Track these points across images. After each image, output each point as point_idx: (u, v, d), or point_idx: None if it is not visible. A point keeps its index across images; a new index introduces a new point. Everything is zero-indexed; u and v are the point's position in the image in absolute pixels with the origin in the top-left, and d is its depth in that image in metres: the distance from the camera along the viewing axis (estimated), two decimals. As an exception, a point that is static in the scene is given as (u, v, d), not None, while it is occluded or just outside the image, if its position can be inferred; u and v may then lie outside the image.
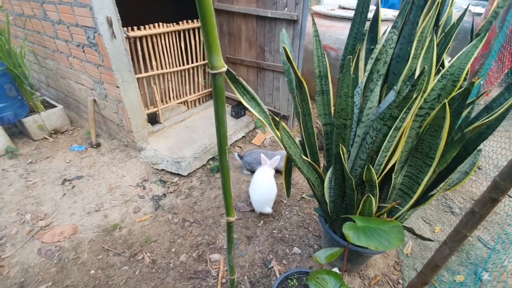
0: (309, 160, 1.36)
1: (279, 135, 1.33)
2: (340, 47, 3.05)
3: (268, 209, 2.02)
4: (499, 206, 2.10)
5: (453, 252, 1.11)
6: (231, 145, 2.92)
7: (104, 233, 1.97)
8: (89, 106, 2.72)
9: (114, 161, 2.70)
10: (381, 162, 1.13)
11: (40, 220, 2.06)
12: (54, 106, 3.03)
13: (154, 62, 2.66)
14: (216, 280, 1.67)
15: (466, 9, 1.12)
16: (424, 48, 0.96)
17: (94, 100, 2.73)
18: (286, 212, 2.15)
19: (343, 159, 1.17)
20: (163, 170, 2.54)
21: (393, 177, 1.15)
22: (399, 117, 0.97)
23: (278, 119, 1.28)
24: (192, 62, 3.04)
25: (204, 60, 3.16)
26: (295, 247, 1.88)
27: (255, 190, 2.00)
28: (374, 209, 1.22)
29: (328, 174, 1.38)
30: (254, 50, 2.73)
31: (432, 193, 1.23)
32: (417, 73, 1.09)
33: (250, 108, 1.41)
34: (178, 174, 2.49)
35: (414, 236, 1.82)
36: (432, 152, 1.03)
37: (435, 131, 0.98)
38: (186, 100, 3.18)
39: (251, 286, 1.64)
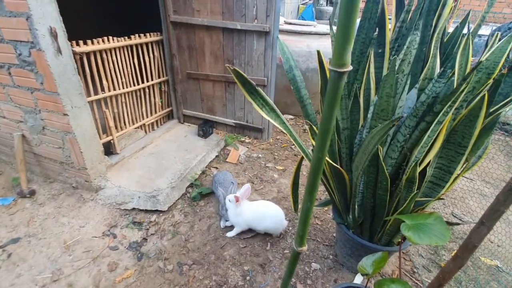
0: (338, 166, 1.30)
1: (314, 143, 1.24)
2: (297, 59, 3.18)
3: (285, 223, 1.93)
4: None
5: (490, 231, 1.21)
6: (206, 167, 2.65)
7: (74, 309, 1.47)
8: (16, 144, 2.07)
9: (62, 209, 2.10)
10: (418, 158, 1.15)
11: (-38, 317, 1.40)
12: (-48, 151, 2.21)
13: (105, 82, 2.24)
14: (243, 326, 1.42)
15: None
16: (462, 47, 1.03)
17: (23, 136, 2.10)
18: (290, 228, 2.03)
19: (381, 160, 1.15)
20: (134, 209, 2.10)
21: (428, 170, 1.19)
22: (443, 111, 1.01)
23: (315, 128, 1.19)
24: (147, 81, 2.69)
25: (159, 77, 2.84)
26: (313, 263, 1.77)
27: (265, 220, 1.85)
28: (412, 206, 1.24)
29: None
30: (221, 64, 2.58)
31: (455, 177, 1.31)
32: (437, 70, 1.17)
33: (270, 120, 1.27)
34: (156, 211, 2.09)
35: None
36: (465, 141, 1.10)
37: (470, 121, 1.05)
38: (144, 124, 2.77)
39: (284, 320, 1.44)
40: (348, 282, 1.67)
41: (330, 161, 1.30)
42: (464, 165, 1.26)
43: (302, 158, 1.48)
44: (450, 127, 1.12)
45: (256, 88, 1.18)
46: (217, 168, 2.71)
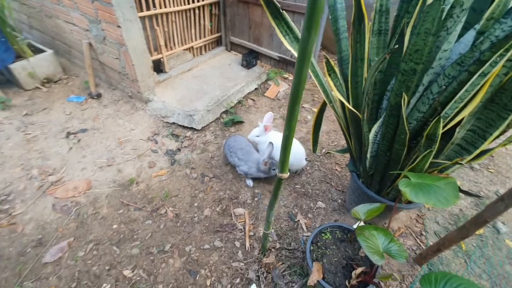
0: (354, 110, 1.23)
1: (331, 84, 1.17)
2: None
3: (305, 162, 1.97)
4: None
5: (508, 209, 1.08)
6: (243, 97, 2.73)
7: (120, 188, 1.89)
8: (84, 51, 2.40)
9: (119, 113, 2.50)
10: (449, 115, 1.01)
11: (49, 175, 1.94)
12: (42, 51, 2.68)
13: (156, -2, 2.30)
14: (242, 233, 1.66)
15: None
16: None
17: (90, 44, 2.41)
18: (308, 168, 2.10)
19: (403, 110, 1.04)
20: (174, 123, 2.38)
21: (456, 131, 1.05)
22: (490, 61, 0.83)
23: (332, 62, 1.11)
24: (198, 1, 2.65)
25: (210, -2, 2.77)
26: (319, 202, 1.86)
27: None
28: (427, 165, 1.15)
29: (375, 127, 1.27)
30: (272, -13, 2.36)
31: (490, 147, 1.14)
32: None
33: (292, 51, 1.22)
34: (191, 128, 2.34)
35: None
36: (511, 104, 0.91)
37: (528, 77, 0.85)
38: (192, 47, 2.86)
39: (279, 238, 1.65)
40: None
41: (348, 105, 1.23)
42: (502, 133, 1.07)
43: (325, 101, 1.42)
44: (499, 83, 0.92)
45: (281, 11, 1.11)
46: (253, 100, 2.77)
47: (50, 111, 2.49)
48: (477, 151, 1.06)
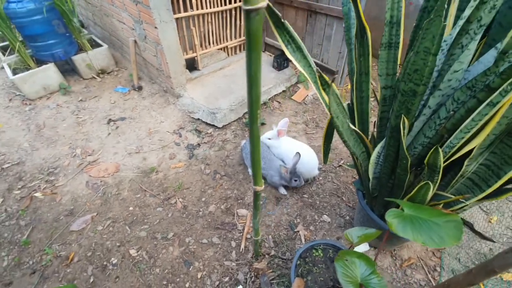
0: (357, 130, 1.15)
1: (326, 99, 1.13)
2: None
3: (316, 172, 1.93)
4: None
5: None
6: (269, 99, 2.74)
7: (142, 174, 2.09)
8: (130, 48, 2.68)
9: (154, 106, 2.73)
10: (454, 144, 0.89)
11: (89, 155, 2.24)
12: (100, 45, 3.06)
13: (194, 0, 2.43)
14: (241, 234, 1.70)
15: None
16: None
17: (135, 41, 2.67)
18: (320, 178, 2.03)
19: (402, 134, 0.95)
20: (198, 119, 2.52)
21: (465, 164, 0.92)
22: (500, 89, 0.71)
23: (328, 79, 1.06)
24: (235, 2, 2.72)
25: (248, -1, 2.81)
26: (325, 215, 1.79)
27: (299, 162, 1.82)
28: (429, 197, 1.03)
29: (378, 148, 1.18)
30: (306, -12, 2.31)
31: (509, 186, 0.97)
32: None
33: (294, 61, 1.20)
34: (213, 125, 2.45)
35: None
36: (533, 140, 0.76)
37: (550, 112, 0.70)
38: (226, 46, 2.96)
39: (275, 246, 1.64)
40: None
41: (351, 125, 1.16)
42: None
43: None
44: (517, 114, 0.78)
45: (282, 21, 1.10)
46: (279, 102, 2.75)
47: (100, 99, 2.84)
48: (489, 190, 0.91)
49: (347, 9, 1.21)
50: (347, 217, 1.78)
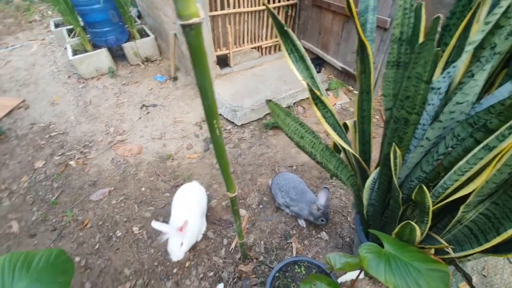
0: (353, 152, 1.08)
1: (318, 113, 1.08)
2: None
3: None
4: None
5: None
6: (294, 103, 2.68)
7: (159, 159, 2.24)
8: (170, 40, 2.85)
9: (184, 96, 2.89)
10: (448, 186, 0.78)
11: (119, 135, 2.47)
12: (148, 35, 3.32)
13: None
14: (235, 233, 1.73)
15: None
16: None
17: (175, 34, 2.84)
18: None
19: (392, 165, 0.87)
20: (220, 115, 2.59)
21: (460, 210, 0.80)
22: (498, 132, 0.60)
23: (318, 93, 1.01)
24: (274, 2, 2.71)
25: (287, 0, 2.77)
26: (324, 232, 1.72)
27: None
28: (418, 237, 0.92)
29: (374, 173, 1.09)
30: (346, -8, 2.18)
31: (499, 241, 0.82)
32: None
33: (295, 71, 1.17)
34: (232, 123, 2.50)
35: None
36: (538, 197, 0.63)
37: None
38: (260, 46, 2.97)
39: (265, 252, 1.64)
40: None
41: (347, 147, 1.08)
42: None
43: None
44: (521, 163, 0.65)
45: (286, 29, 1.08)
46: (304, 108, 2.68)
47: (140, 84, 3.10)
48: (486, 245, 0.78)
49: (364, 20, 1.13)
50: (347, 239, 1.69)
